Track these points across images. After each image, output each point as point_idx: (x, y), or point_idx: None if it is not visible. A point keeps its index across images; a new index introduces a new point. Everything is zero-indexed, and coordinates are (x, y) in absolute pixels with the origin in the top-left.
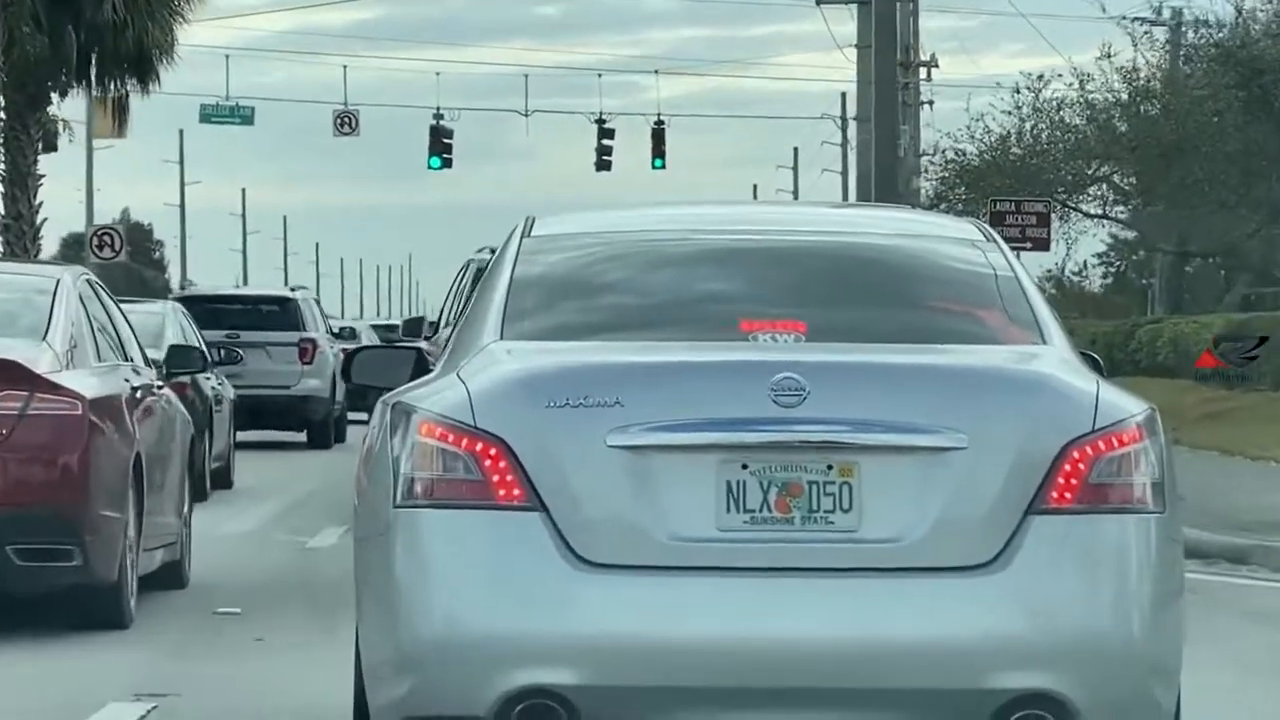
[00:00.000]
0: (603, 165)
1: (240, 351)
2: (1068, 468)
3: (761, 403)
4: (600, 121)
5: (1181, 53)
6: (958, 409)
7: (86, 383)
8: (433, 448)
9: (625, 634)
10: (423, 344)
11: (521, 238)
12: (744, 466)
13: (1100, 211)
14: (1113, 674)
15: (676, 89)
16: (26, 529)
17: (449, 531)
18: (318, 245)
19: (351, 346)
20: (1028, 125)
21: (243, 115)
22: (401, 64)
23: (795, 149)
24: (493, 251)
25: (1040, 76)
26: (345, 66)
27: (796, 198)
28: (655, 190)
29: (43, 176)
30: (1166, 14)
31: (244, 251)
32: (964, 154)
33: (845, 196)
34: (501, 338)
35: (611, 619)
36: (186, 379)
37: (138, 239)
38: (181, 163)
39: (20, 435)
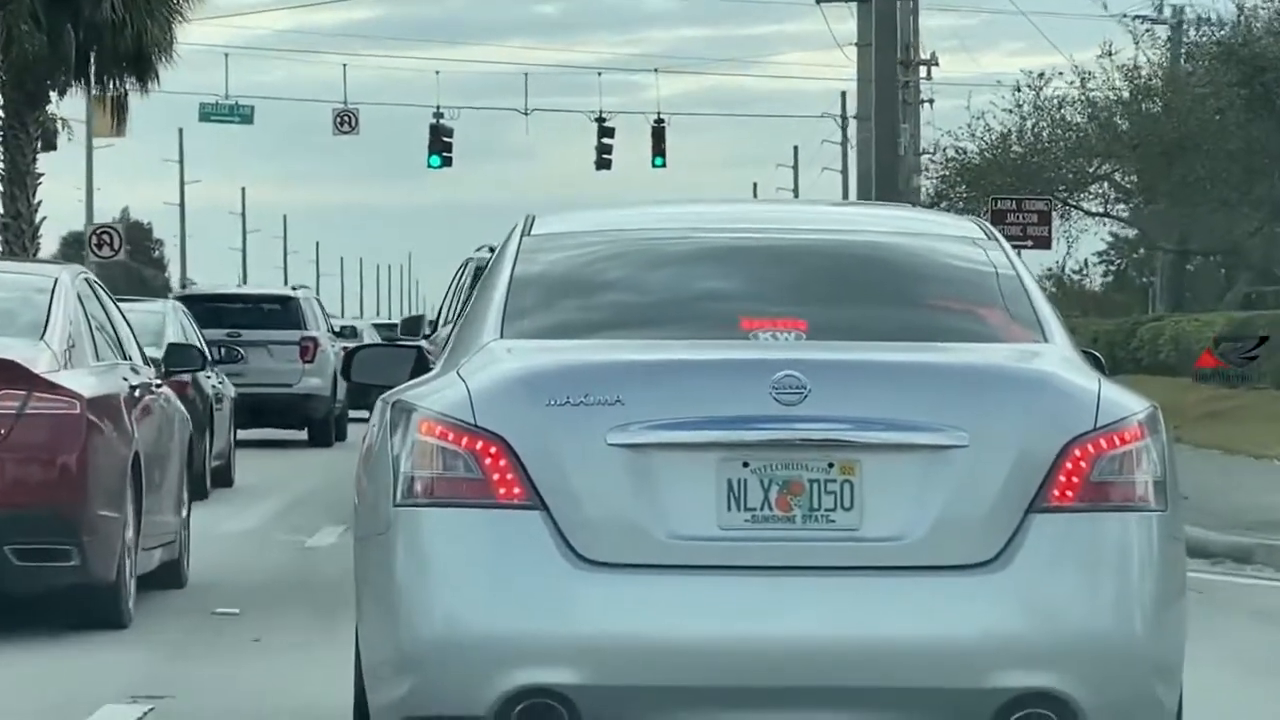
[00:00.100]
0: (603, 164)
1: (241, 350)
2: (1069, 466)
3: (762, 401)
4: (600, 120)
5: (1183, 50)
6: (959, 407)
7: (85, 382)
8: (433, 446)
9: (626, 633)
10: (422, 343)
11: (521, 236)
12: (745, 465)
13: (1101, 210)
14: (1114, 673)
15: (676, 88)
16: (24, 529)
17: (449, 530)
18: (317, 244)
19: (353, 345)
20: (1028, 123)
21: (242, 114)
22: (401, 63)
23: (795, 147)
24: (492, 250)
25: (1041, 75)
26: (345, 65)
27: (797, 196)
28: (655, 189)
29: (41, 175)
30: (1168, 12)
31: (244, 250)
32: (965, 152)
33: (845, 195)
34: (502, 336)
35: (612, 618)
36: (187, 378)
37: (137, 238)
38: (181, 162)
39: (18, 435)
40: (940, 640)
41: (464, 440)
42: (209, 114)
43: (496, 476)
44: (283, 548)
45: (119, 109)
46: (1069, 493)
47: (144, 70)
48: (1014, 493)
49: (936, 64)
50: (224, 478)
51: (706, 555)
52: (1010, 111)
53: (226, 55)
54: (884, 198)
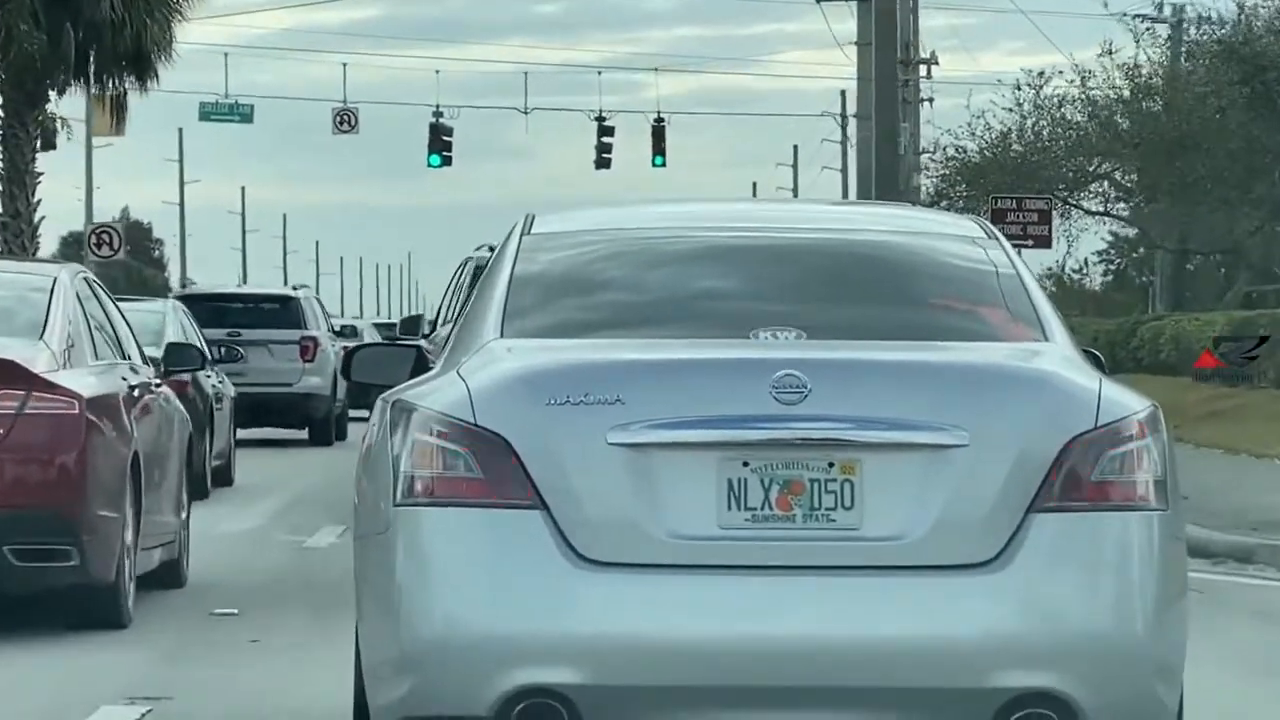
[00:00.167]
0: (602, 163)
1: (242, 349)
2: (1070, 465)
3: (763, 400)
4: (600, 119)
5: (1183, 49)
6: (960, 406)
7: (84, 382)
8: (433, 446)
9: (626, 633)
10: (421, 342)
11: (521, 235)
12: (745, 464)
13: (1101, 209)
14: (1115, 672)
15: (676, 87)
16: (24, 529)
17: (449, 530)
18: (317, 243)
19: (353, 345)
20: (1029, 122)
21: (242, 113)
22: (401, 62)
23: (795, 147)
24: (491, 249)
25: (1041, 73)
26: (345, 64)
27: (796, 195)
28: (655, 188)
29: (41, 174)
30: (1168, 10)
31: (243, 250)
32: (965, 151)
33: (845, 194)
34: (502, 335)
35: (612, 618)
36: (187, 377)
37: (137, 237)
38: (181, 161)
39: (17, 435)
40: (941, 640)
41: (464, 440)
42: (209, 113)
43: (497, 476)
44: (282, 548)
45: (118, 108)
46: (1070, 492)
47: (143, 69)
48: (1015, 492)
49: (936, 63)
50: (224, 477)
51: (707, 555)
52: (1010, 110)
53: (226, 54)
54: (884, 197)
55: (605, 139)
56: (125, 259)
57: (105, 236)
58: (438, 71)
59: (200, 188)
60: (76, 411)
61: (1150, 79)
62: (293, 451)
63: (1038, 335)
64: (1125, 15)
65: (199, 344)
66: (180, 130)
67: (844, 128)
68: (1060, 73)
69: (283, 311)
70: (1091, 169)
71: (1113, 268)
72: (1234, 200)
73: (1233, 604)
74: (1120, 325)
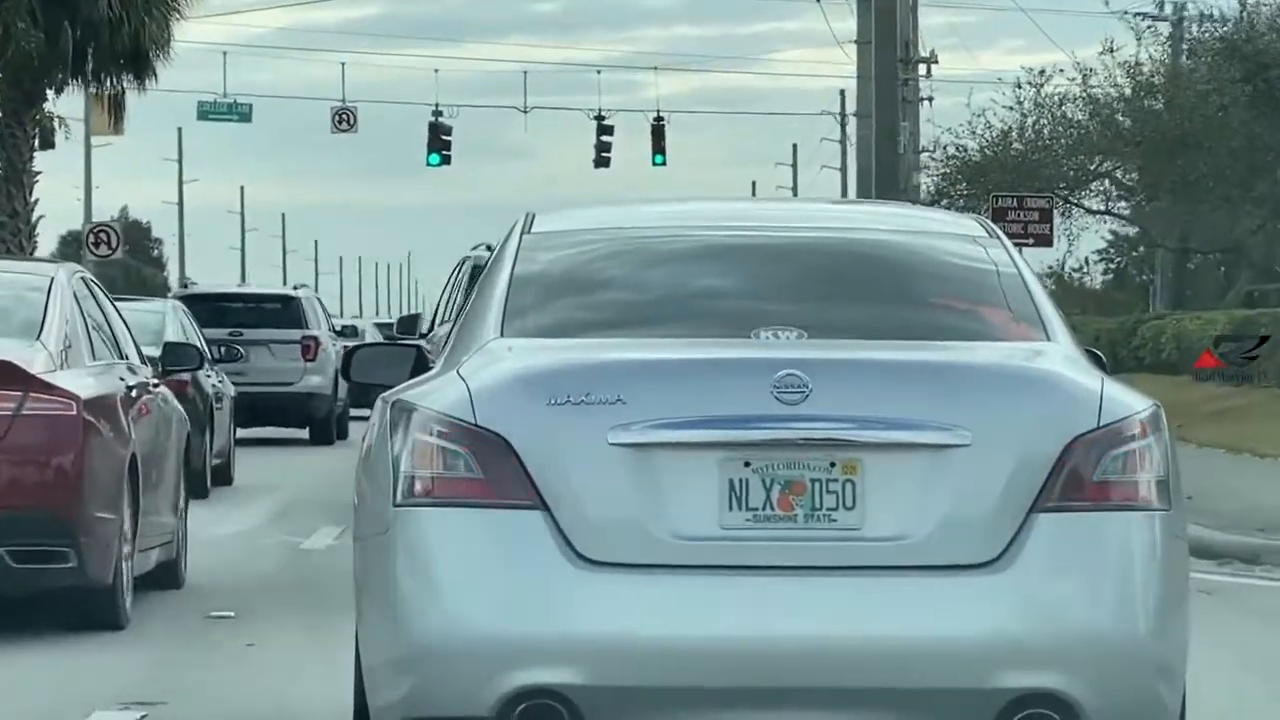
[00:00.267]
0: (602, 162)
1: (243, 349)
2: (1072, 465)
3: (764, 400)
4: (599, 118)
5: (1185, 47)
6: (961, 406)
7: (81, 382)
8: (433, 446)
9: (627, 633)
10: (420, 342)
11: (521, 234)
12: (746, 464)
13: (1102, 207)
14: (1117, 673)
15: (676, 86)
16: (21, 531)
17: (449, 530)
18: (316, 243)
19: (354, 344)
20: (1029, 121)
21: (241, 112)
22: (400, 61)
23: (795, 145)
24: (489, 249)
25: (1042, 72)
26: (344, 63)
27: (796, 194)
28: (655, 187)
29: (39, 174)
30: (1169, 9)
31: (243, 249)
32: (965, 150)
33: (845, 193)
34: (502, 335)
35: (613, 618)
36: (186, 377)
37: (136, 237)
38: (180, 160)
39: (14, 436)
40: (942, 640)
41: (464, 440)
42: (207, 112)
43: (497, 476)
44: (280, 548)
45: (117, 107)
46: (1072, 492)
47: (142, 68)
48: (1017, 492)
49: (936, 61)
50: (224, 476)
51: (708, 555)
52: (1011, 109)
53: (225, 53)
54: (884, 195)
55: (605, 138)
56: (124, 258)
57: (104, 236)
58: (437, 70)
59: (199, 187)
60: (74, 412)
61: (1151, 77)
62: (293, 451)
63: (1039, 334)
64: (1126, 13)
65: (198, 344)
66: (179, 129)
67: (843, 126)
68: (1061, 71)
69: (284, 311)
70: (1092, 167)
71: (1113, 266)
72: (1235, 199)
73: (1237, 605)
74: (1121, 324)
